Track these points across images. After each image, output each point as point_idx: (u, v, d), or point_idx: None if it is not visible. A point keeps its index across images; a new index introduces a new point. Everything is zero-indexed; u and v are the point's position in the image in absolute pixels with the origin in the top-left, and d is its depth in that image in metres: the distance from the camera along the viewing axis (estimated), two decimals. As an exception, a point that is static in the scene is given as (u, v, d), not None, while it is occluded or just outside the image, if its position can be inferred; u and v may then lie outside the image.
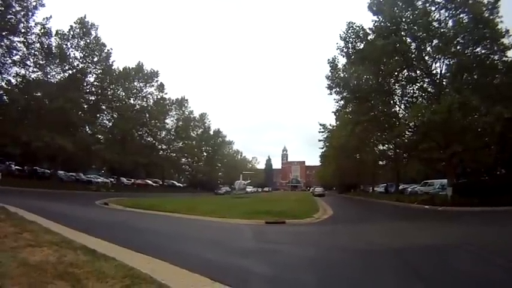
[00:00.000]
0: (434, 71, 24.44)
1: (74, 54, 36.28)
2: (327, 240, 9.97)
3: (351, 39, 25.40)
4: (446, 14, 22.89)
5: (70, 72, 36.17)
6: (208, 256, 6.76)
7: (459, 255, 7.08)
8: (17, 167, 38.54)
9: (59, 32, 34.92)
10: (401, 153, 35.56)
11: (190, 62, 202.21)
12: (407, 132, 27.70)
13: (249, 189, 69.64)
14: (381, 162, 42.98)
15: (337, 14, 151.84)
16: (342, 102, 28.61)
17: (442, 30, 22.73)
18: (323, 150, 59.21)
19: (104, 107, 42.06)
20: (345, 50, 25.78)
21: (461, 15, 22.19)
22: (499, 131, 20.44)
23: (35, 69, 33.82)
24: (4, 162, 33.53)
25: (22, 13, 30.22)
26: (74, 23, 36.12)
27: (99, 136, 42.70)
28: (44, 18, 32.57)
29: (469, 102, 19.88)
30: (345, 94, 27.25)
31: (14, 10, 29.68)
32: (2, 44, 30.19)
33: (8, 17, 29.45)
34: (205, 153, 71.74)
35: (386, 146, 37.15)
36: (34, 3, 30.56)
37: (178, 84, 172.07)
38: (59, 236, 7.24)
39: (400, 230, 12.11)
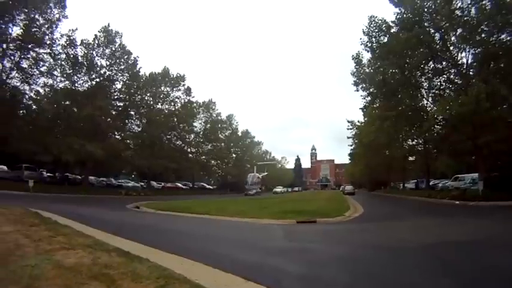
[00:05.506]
0: (460, 61, 23.91)
1: (100, 62, 37.26)
2: (358, 238, 9.75)
3: (374, 34, 25.07)
4: (469, 1, 22.21)
5: (97, 80, 37.06)
6: (240, 256, 6.70)
7: (492, 251, 6.82)
8: (48, 174, 39.77)
9: (84, 41, 35.84)
10: (430, 148, 34.69)
11: (215, 64, 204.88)
12: (436, 126, 27.02)
13: (279, 189, 69.10)
14: (410, 158, 42.07)
15: (360, 9, 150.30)
16: (369, 98, 28.38)
17: (465, 18, 22.09)
18: (352, 147, 58.66)
19: (132, 112, 43.17)
20: (369, 45, 25.50)
21: (483, 2, 21.46)
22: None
23: (62, 79, 34.90)
24: (36, 170, 34.49)
25: (46, 26, 31.34)
26: (98, 31, 37.08)
27: (129, 141, 43.60)
28: (69, 30, 33.90)
29: (497, 91, 19.21)
30: (371, 90, 26.99)
31: (38, 23, 30.78)
32: (29, 56, 31.38)
33: (33, 30, 30.49)
34: (234, 155, 72.01)
35: (416, 141, 36.35)
36: (57, 16, 31.81)
37: (204, 87, 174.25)
38: (92, 238, 7.35)
39: (431, 227, 11.76)
